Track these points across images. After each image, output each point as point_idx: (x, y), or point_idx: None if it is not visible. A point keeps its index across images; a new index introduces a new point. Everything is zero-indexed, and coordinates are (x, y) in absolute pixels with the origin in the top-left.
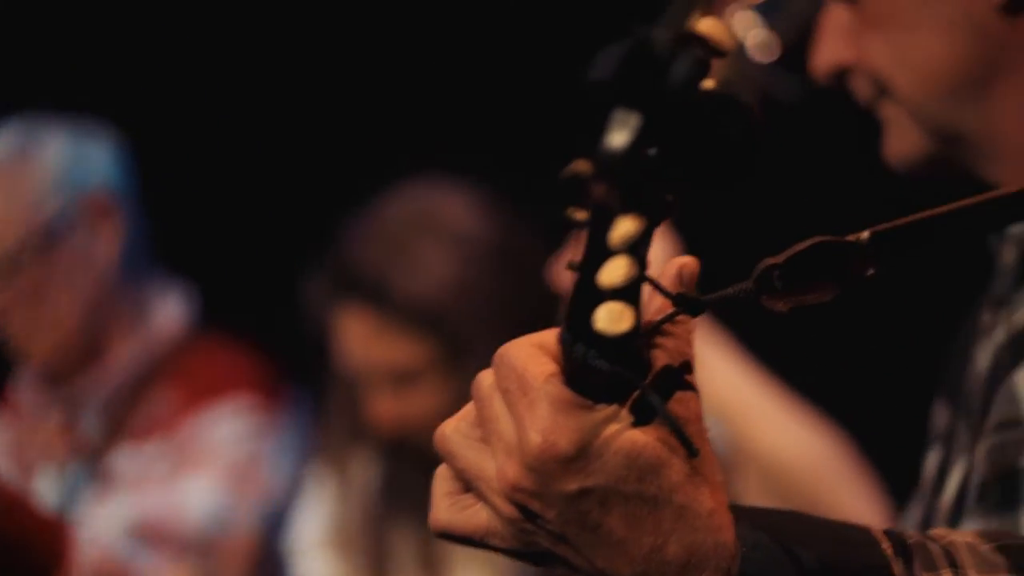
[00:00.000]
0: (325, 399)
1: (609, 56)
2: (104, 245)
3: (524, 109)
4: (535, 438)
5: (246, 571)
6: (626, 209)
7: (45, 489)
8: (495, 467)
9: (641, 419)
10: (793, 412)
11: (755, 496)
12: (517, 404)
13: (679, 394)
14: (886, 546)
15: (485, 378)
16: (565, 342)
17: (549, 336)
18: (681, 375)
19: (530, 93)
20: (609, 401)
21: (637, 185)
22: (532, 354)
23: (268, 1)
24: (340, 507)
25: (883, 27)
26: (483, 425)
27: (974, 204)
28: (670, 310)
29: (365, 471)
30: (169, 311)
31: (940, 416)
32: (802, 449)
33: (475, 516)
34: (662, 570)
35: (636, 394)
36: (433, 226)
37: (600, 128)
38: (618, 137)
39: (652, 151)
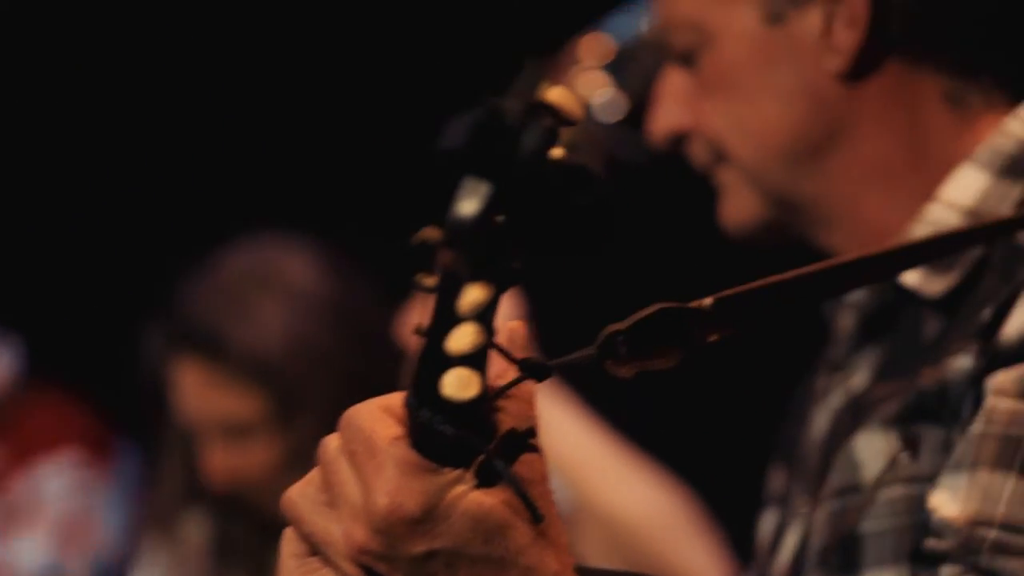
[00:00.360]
0: (157, 455)
1: (459, 125)
2: None
3: (378, 172)
4: (382, 500)
5: None
6: (475, 277)
7: None
8: (342, 530)
9: (487, 482)
10: (636, 470)
11: (599, 555)
12: (364, 467)
13: (524, 457)
14: None
15: (331, 441)
16: (411, 406)
17: (395, 399)
18: (525, 438)
19: (385, 157)
20: (455, 464)
21: (486, 253)
22: (378, 417)
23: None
24: (173, 571)
25: (721, 93)
26: (329, 488)
27: (816, 271)
28: (513, 374)
29: (198, 532)
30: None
31: (776, 479)
32: (645, 507)
33: None
34: None
35: (481, 458)
36: (270, 280)
37: (450, 195)
38: (468, 206)
39: (501, 220)
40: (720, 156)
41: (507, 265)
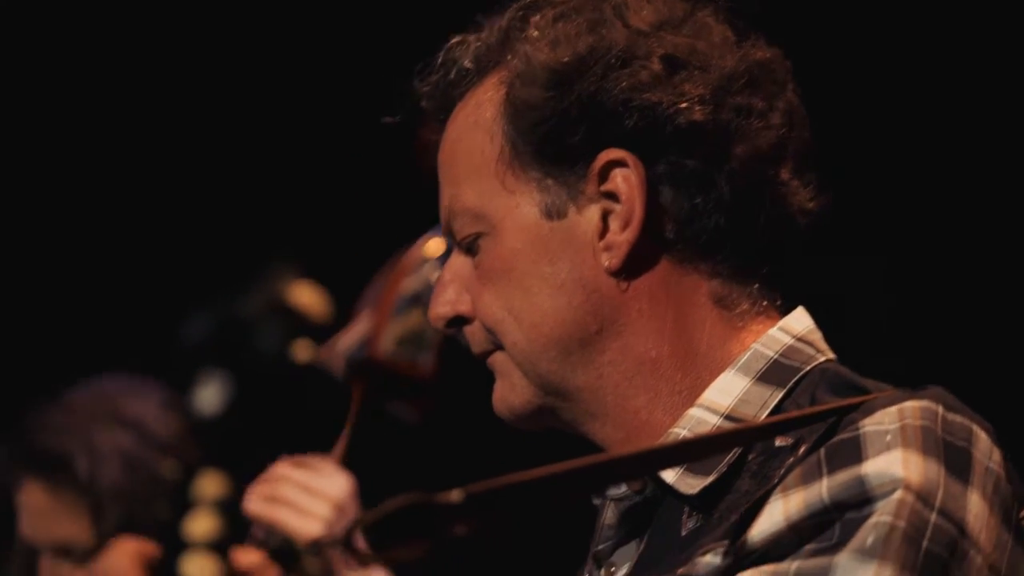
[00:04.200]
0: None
1: (199, 320)
2: None
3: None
4: None
5: None
6: (212, 465)
7: None
8: None
9: None
10: None
11: None
12: None
13: None
14: None
15: None
16: None
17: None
18: None
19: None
20: None
21: (223, 444)
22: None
23: None
24: None
25: (499, 282)
26: None
27: (569, 469)
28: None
29: None
30: None
31: None
32: None
33: None
34: None
35: None
36: (112, 413)
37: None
38: (207, 396)
39: (242, 412)
40: (495, 342)
41: (246, 455)
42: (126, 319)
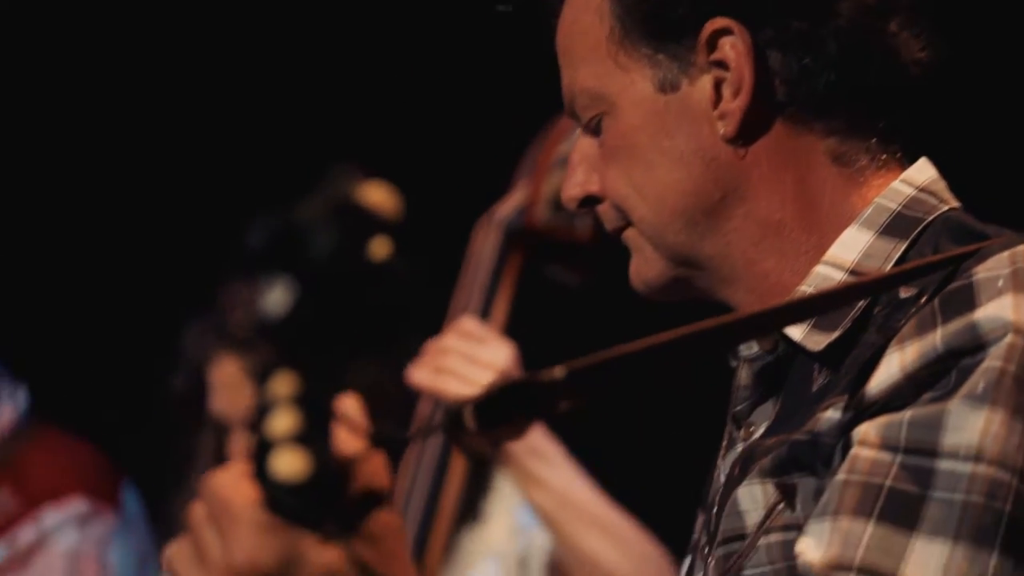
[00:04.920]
0: (190, 456)
1: (262, 226)
2: None
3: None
4: (240, 557)
5: None
6: (283, 365)
7: None
8: None
9: (335, 539)
10: (617, 522)
11: None
12: (223, 528)
13: (374, 516)
14: None
15: (197, 507)
16: (258, 477)
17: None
18: (376, 500)
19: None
20: (306, 525)
21: (290, 344)
22: (235, 483)
23: None
24: None
25: (620, 160)
26: (197, 549)
27: (675, 338)
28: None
29: None
30: (5, 411)
31: (696, 526)
32: (634, 559)
33: None
34: None
35: (330, 519)
36: None
37: (260, 293)
38: (270, 301)
39: (305, 314)
40: (625, 219)
41: (319, 353)
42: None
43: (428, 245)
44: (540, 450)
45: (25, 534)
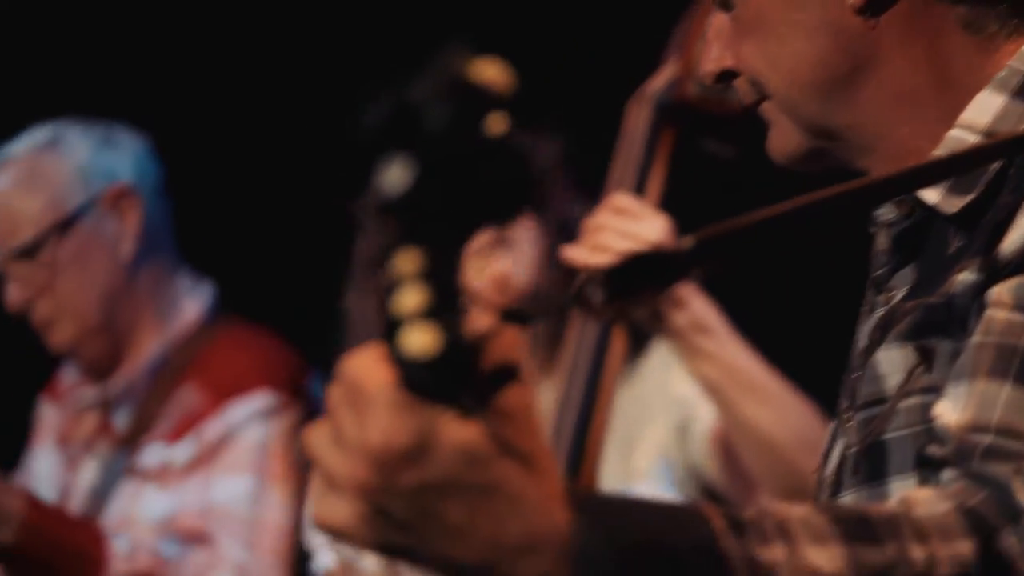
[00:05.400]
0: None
1: (380, 103)
2: (126, 240)
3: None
4: (375, 438)
5: (280, 564)
6: (406, 243)
7: (85, 481)
8: (345, 468)
9: (470, 416)
10: (781, 390)
11: (757, 472)
12: (359, 409)
13: (508, 392)
14: (718, 523)
15: (334, 389)
16: (392, 357)
17: (384, 348)
18: (509, 377)
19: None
20: (441, 403)
21: (413, 221)
22: (370, 364)
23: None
24: None
25: (753, 34)
26: (334, 430)
27: (806, 203)
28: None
29: None
30: (193, 304)
31: (840, 392)
32: (794, 424)
33: (340, 512)
34: (502, 554)
35: (464, 397)
36: None
37: (375, 171)
38: (390, 180)
39: (424, 191)
40: (761, 92)
41: (441, 230)
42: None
43: (583, 122)
44: (704, 322)
45: (212, 429)
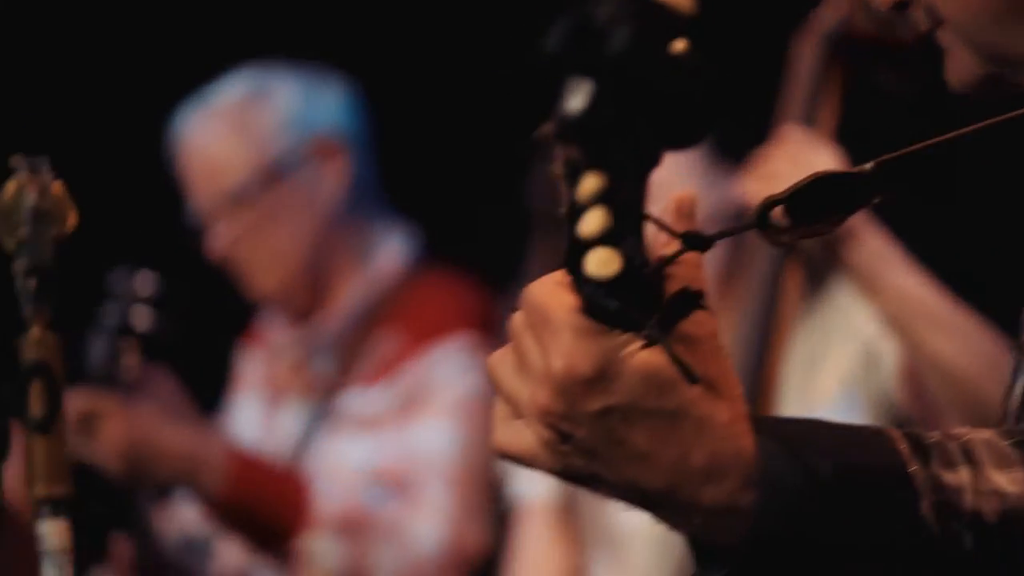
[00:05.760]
0: None
1: (558, 25)
2: (330, 185)
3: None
4: (559, 364)
5: (483, 506)
6: (589, 166)
7: (286, 428)
8: (528, 394)
9: (654, 343)
10: (962, 319)
11: (943, 402)
12: (542, 335)
13: (692, 317)
14: (903, 447)
15: (517, 316)
16: (575, 283)
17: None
18: (693, 301)
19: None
20: (624, 329)
21: (596, 144)
22: (553, 291)
23: None
24: None
25: None
26: (517, 357)
27: (983, 127)
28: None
29: None
30: (393, 250)
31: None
32: (979, 355)
33: (523, 439)
34: (687, 478)
35: (648, 322)
36: None
37: (560, 94)
38: (573, 102)
39: (607, 112)
40: (936, 19)
41: (624, 152)
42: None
43: (752, 54)
44: (882, 255)
45: (413, 373)
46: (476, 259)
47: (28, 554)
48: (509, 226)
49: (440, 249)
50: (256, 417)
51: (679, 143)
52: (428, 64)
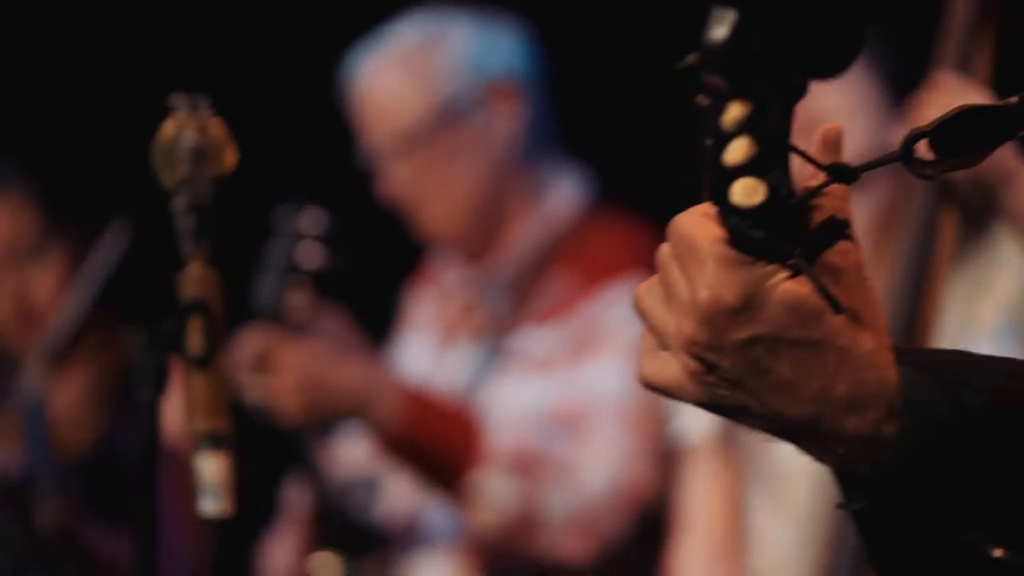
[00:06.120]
0: None
1: None
2: (504, 128)
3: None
4: (704, 294)
5: (654, 447)
6: (734, 94)
7: (457, 367)
8: (674, 324)
9: (799, 274)
10: None
11: None
12: (688, 266)
13: (837, 247)
14: None
15: (664, 247)
16: (720, 213)
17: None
18: (838, 231)
19: None
20: (770, 259)
21: (740, 72)
22: (699, 222)
23: None
24: None
25: None
26: (664, 288)
27: None
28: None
29: None
30: (566, 192)
31: None
32: None
33: (669, 370)
34: (831, 408)
35: (793, 253)
36: None
37: (706, 23)
38: (717, 31)
39: (751, 41)
40: None
41: (769, 81)
42: None
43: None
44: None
45: (586, 313)
46: (649, 201)
47: (187, 487)
48: (682, 168)
49: (613, 191)
50: (425, 356)
51: (822, 73)
52: (602, 7)
